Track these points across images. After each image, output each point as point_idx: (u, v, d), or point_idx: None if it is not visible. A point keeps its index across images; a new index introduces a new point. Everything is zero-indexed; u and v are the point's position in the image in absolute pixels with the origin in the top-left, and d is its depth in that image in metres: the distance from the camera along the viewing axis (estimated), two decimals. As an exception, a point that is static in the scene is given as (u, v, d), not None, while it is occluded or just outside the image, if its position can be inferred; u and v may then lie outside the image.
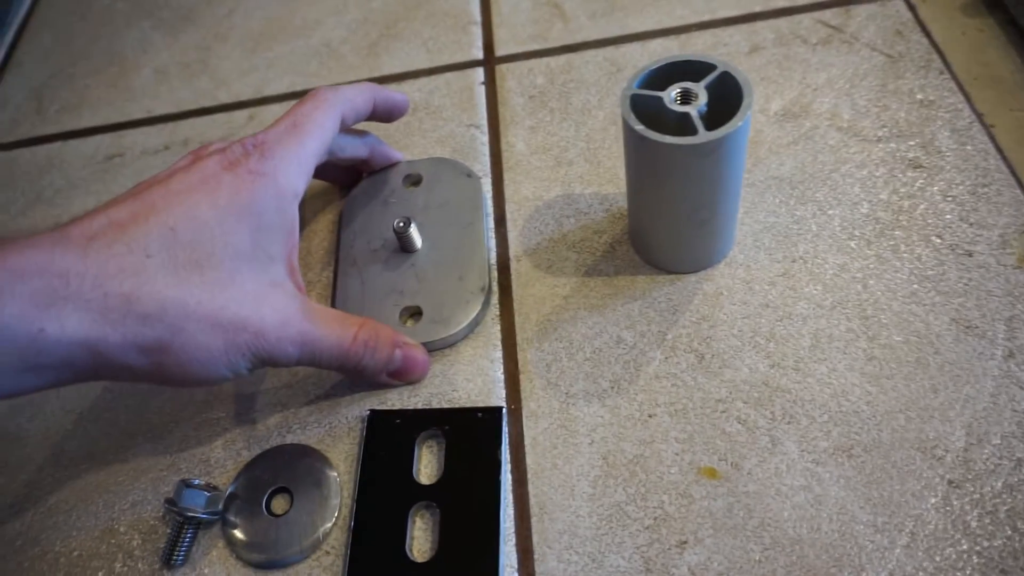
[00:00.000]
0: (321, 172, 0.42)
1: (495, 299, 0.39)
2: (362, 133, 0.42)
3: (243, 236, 0.31)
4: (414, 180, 0.43)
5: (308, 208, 0.45)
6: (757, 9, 0.48)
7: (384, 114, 0.40)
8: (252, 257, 0.31)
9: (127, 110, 0.53)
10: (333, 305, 0.40)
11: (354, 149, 0.41)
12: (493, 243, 0.41)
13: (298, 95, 0.51)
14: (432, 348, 0.37)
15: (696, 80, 0.33)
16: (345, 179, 0.45)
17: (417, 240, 0.40)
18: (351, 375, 0.36)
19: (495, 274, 0.40)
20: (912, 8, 0.46)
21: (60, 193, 0.49)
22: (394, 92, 0.40)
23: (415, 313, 0.38)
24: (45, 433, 0.39)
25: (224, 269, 0.30)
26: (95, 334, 0.28)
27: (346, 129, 0.38)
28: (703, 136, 0.30)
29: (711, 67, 0.32)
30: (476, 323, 0.38)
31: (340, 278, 0.40)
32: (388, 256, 0.40)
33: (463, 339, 0.38)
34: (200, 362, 0.30)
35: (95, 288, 0.28)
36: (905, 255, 0.37)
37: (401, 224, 0.39)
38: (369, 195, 0.43)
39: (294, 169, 0.33)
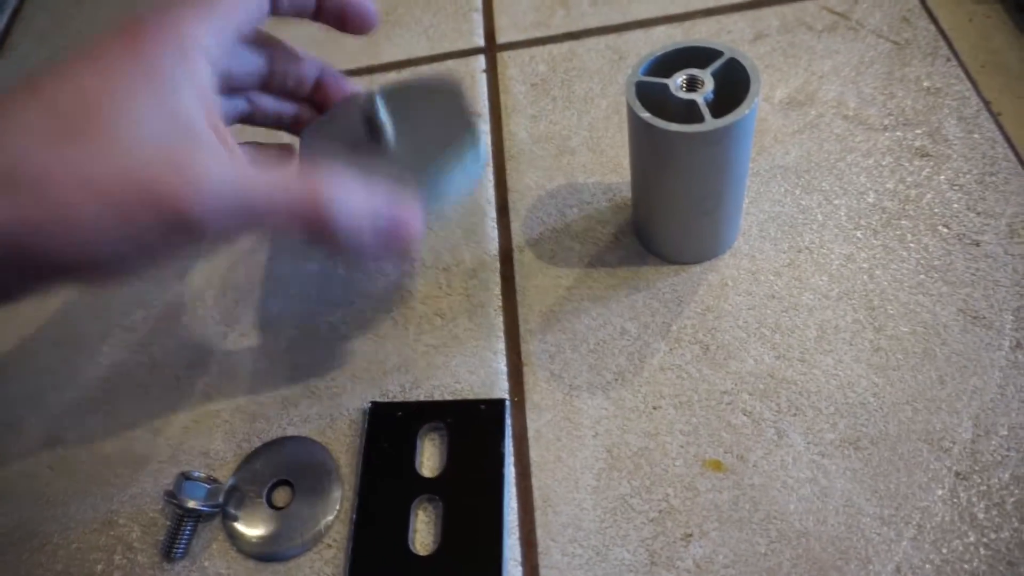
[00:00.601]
0: (259, 112, 0.36)
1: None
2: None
3: (133, 92, 0.26)
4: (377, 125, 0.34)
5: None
6: (762, -5, 0.48)
7: (335, 7, 0.33)
8: (148, 112, 0.26)
9: (123, 98, 0.53)
10: None
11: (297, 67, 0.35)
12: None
13: (296, 82, 0.50)
14: (429, 203, 0.31)
15: (702, 67, 0.32)
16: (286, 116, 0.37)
17: (387, 127, 0.33)
18: (317, 241, 0.29)
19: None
20: (919, -6, 0.46)
21: (56, 182, 0.49)
22: None
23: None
24: (43, 424, 0.38)
25: (111, 135, 0.25)
26: None
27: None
28: (710, 124, 0.30)
29: (718, 53, 0.32)
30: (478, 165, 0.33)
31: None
32: (356, 150, 0.33)
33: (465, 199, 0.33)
34: (83, 242, 0.25)
35: None
36: (912, 245, 0.36)
37: (367, 102, 0.32)
38: (327, 132, 0.36)
39: (198, 27, 0.28)
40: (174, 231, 0.26)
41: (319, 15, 0.33)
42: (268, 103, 0.36)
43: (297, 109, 0.37)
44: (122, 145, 0.25)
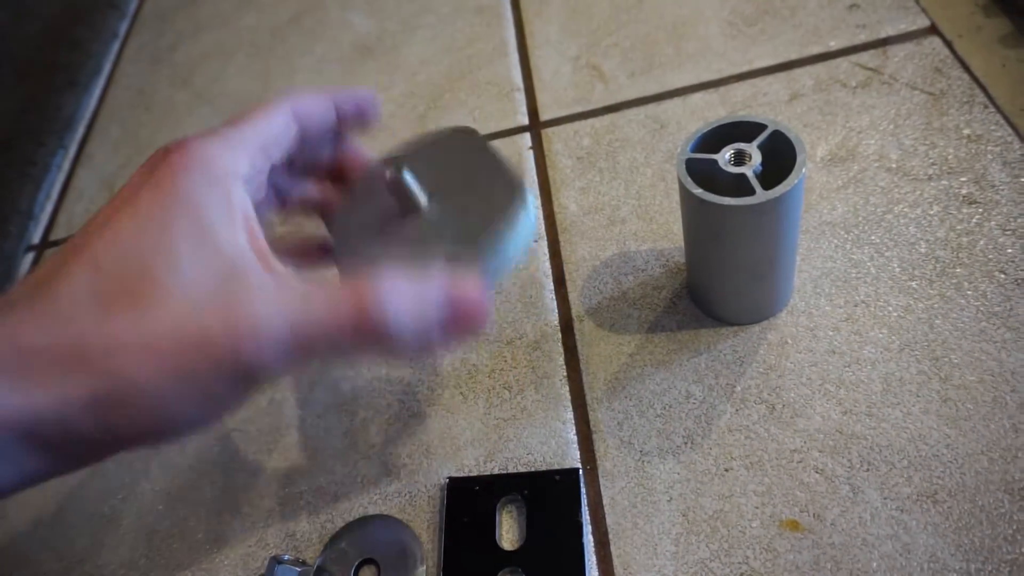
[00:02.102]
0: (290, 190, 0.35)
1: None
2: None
3: (176, 239, 0.25)
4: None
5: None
6: (793, 56, 0.49)
7: (353, 114, 0.33)
8: (193, 259, 0.25)
9: (193, 195, 0.56)
10: None
11: (319, 149, 0.34)
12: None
13: (354, 171, 0.53)
14: (488, 275, 0.28)
15: (747, 139, 0.34)
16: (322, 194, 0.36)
17: (419, 194, 0.31)
18: (384, 355, 0.28)
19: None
20: (949, 44, 0.47)
21: (136, 279, 0.52)
22: (356, 88, 0.34)
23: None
24: (137, 513, 0.40)
25: (159, 285, 0.24)
26: (20, 400, 0.23)
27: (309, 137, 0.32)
28: (761, 196, 0.31)
29: (762, 127, 0.33)
30: (528, 229, 0.29)
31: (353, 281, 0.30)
32: (388, 228, 0.31)
33: (519, 254, 0.30)
34: (153, 406, 0.24)
35: (11, 351, 0.24)
36: (969, 293, 0.37)
37: (392, 173, 0.30)
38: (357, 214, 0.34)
39: (225, 151, 0.27)
40: (238, 381, 0.25)
41: (340, 120, 0.33)
42: (290, 187, 0.35)
43: (320, 191, 0.36)
44: (174, 301, 0.24)
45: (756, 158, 0.33)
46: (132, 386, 0.24)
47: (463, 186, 0.31)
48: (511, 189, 0.29)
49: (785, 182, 0.31)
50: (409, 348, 0.27)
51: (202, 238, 0.25)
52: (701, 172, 0.33)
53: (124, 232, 0.25)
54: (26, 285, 0.25)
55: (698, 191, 0.32)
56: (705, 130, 0.34)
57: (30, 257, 0.57)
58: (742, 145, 0.33)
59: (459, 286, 0.27)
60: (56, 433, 0.24)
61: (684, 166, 0.33)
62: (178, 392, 0.24)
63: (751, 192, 0.31)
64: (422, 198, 0.31)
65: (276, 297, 0.25)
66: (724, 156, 0.33)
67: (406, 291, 0.26)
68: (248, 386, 0.26)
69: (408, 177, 0.30)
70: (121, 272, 0.25)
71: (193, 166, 0.26)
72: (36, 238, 0.58)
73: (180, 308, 0.24)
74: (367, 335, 0.26)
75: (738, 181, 0.32)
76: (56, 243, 0.57)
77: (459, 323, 0.27)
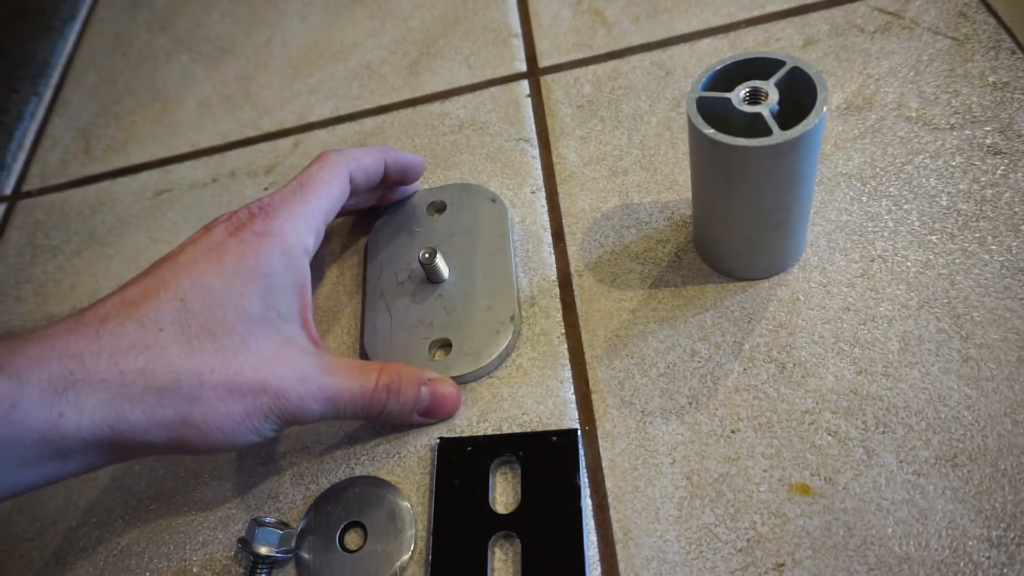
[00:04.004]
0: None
1: (525, 328, 0.38)
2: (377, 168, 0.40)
3: (252, 299, 0.31)
4: (438, 207, 0.43)
5: (335, 240, 0.44)
6: (808, 0, 0.47)
7: (397, 175, 0.40)
8: (264, 319, 0.31)
9: (173, 145, 0.53)
10: (361, 339, 0.39)
11: (366, 201, 0.42)
12: (520, 271, 0.40)
13: (342, 119, 0.51)
14: (463, 381, 0.37)
15: (762, 78, 0.31)
16: (365, 208, 0.44)
17: (444, 270, 0.39)
18: (379, 421, 0.35)
19: (530, 302, 0.39)
20: (973, -12, 0.44)
21: (113, 231, 0.50)
22: (408, 154, 0.40)
23: (444, 345, 0.38)
24: (112, 474, 0.39)
25: (236, 334, 0.30)
26: (114, 413, 0.28)
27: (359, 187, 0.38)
28: (779, 136, 0.29)
29: (780, 63, 0.31)
30: (506, 354, 0.37)
31: (368, 312, 0.40)
32: (415, 288, 0.39)
33: (495, 369, 0.37)
34: (222, 431, 0.29)
35: (110, 367, 0.28)
36: (993, 248, 0.35)
37: (427, 255, 0.38)
38: (394, 225, 0.43)
39: (301, 226, 0.33)
40: (281, 422, 0.31)
41: (386, 181, 0.40)
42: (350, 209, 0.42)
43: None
44: (248, 352, 0.30)
45: (773, 96, 0.30)
46: (212, 412, 0.29)
47: (478, 276, 0.39)
48: (508, 317, 0.37)
49: (805, 121, 0.29)
50: (395, 423, 0.36)
51: (271, 303, 0.31)
52: (713, 113, 0.31)
53: (209, 280, 0.30)
54: (113, 304, 0.29)
55: (710, 131, 0.29)
56: (718, 67, 0.32)
57: (2, 208, 0.54)
58: (758, 83, 0.31)
59: (440, 387, 0.35)
60: (130, 442, 0.28)
61: (695, 105, 0.31)
62: (240, 422, 0.30)
63: (767, 133, 0.29)
64: (445, 274, 0.39)
65: (317, 363, 0.32)
66: (738, 95, 0.31)
67: (407, 386, 0.34)
68: (282, 426, 0.32)
69: (439, 260, 0.38)
70: (204, 314, 0.30)
71: (274, 241, 0.32)
72: (8, 189, 0.55)
73: (251, 359, 0.30)
74: (374, 414, 0.34)
75: (753, 122, 0.30)
76: (29, 194, 0.54)
77: (434, 412, 0.35)
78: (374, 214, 0.44)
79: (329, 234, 0.45)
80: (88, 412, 0.27)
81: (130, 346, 0.28)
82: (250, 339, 0.30)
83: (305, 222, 0.33)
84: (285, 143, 0.51)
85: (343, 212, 0.39)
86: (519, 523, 0.32)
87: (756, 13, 0.47)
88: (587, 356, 0.36)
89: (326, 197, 0.35)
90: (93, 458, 0.29)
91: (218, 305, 0.30)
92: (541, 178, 0.44)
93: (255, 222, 0.32)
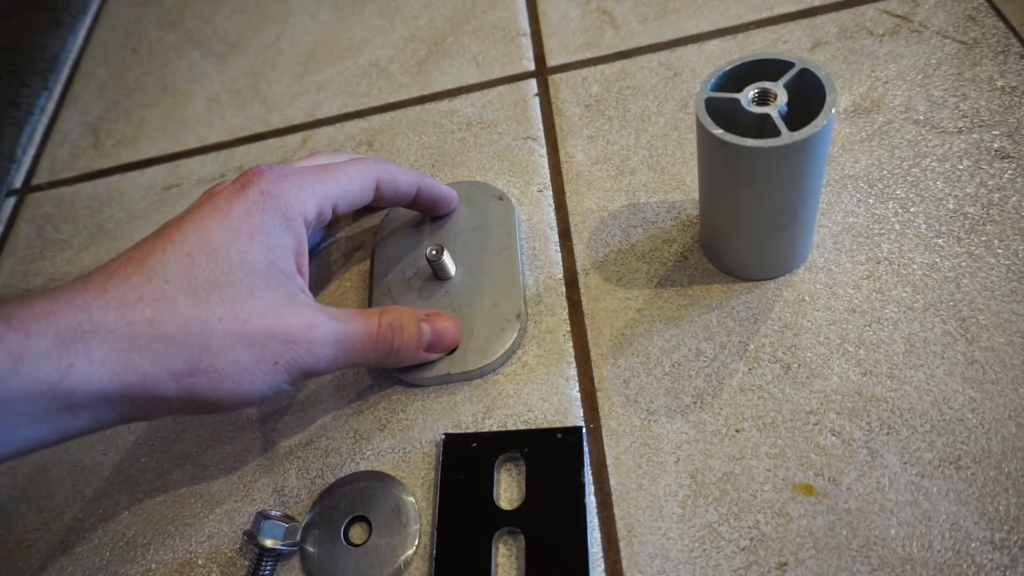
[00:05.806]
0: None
1: (531, 326, 0.38)
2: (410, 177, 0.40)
3: (256, 254, 0.31)
4: None
5: (342, 236, 0.45)
6: (816, 3, 0.47)
7: (427, 203, 0.40)
8: (267, 273, 0.31)
9: (182, 140, 0.54)
10: None
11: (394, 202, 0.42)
12: (526, 269, 0.40)
13: (350, 116, 0.51)
14: (469, 378, 0.37)
15: (771, 79, 0.31)
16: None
17: (451, 267, 0.39)
18: (390, 364, 0.35)
19: (536, 300, 0.39)
20: (982, -8, 0.44)
21: (121, 225, 0.50)
22: (444, 187, 0.41)
23: None
24: (119, 466, 0.39)
25: (242, 286, 0.30)
26: (123, 363, 0.28)
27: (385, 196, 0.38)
28: (787, 137, 0.29)
29: (788, 64, 0.31)
30: (512, 351, 0.37)
31: (374, 307, 0.40)
32: (422, 285, 0.40)
33: (501, 366, 0.37)
34: (233, 379, 0.29)
35: (118, 318, 0.28)
36: (1000, 251, 0.35)
37: (434, 252, 0.38)
38: (401, 222, 0.43)
39: (307, 196, 0.33)
40: (290, 367, 0.31)
41: (414, 204, 0.40)
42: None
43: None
44: (254, 302, 0.30)
45: (782, 97, 0.30)
46: (222, 360, 0.29)
47: (485, 274, 0.39)
48: (515, 315, 0.38)
49: (814, 122, 0.29)
50: (405, 360, 0.36)
51: (273, 259, 0.32)
52: (721, 113, 0.31)
53: (215, 236, 0.30)
54: (119, 262, 0.30)
55: (718, 131, 0.30)
56: (727, 68, 0.32)
57: (12, 202, 0.54)
58: (767, 84, 0.31)
59: (439, 321, 0.36)
60: (140, 395, 0.28)
61: (703, 105, 0.31)
62: (252, 371, 0.30)
63: (775, 134, 0.29)
64: (452, 271, 0.39)
65: (321, 313, 0.32)
66: (747, 95, 0.31)
67: (407, 326, 0.35)
68: (296, 377, 0.32)
69: (446, 257, 0.39)
70: (210, 268, 0.30)
71: (275, 203, 0.32)
72: (18, 182, 0.55)
73: (258, 308, 0.30)
74: (383, 353, 0.34)
75: (761, 122, 0.30)
76: (39, 188, 0.54)
77: (438, 345, 0.36)
78: (382, 210, 0.44)
79: (336, 229, 0.45)
80: (97, 363, 0.27)
81: (137, 298, 0.28)
82: (256, 291, 0.30)
83: (312, 195, 0.34)
84: (294, 139, 0.51)
85: (375, 205, 0.40)
86: (523, 519, 0.32)
87: (764, 15, 0.47)
88: (592, 354, 0.36)
89: (343, 186, 0.35)
90: (103, 413, 0.28)
91: (224, 259, 0.30)
92: (548, 177, 0.44)
93: (262, 180, 0.32)
